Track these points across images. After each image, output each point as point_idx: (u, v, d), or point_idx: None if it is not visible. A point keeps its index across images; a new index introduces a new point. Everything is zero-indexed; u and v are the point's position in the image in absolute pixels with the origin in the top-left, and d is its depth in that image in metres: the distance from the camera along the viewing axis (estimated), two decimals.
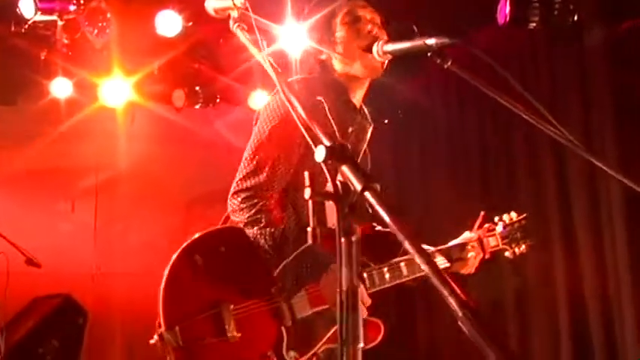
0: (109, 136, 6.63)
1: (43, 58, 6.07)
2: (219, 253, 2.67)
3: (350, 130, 2.85)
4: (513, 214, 3.31)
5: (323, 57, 2.89)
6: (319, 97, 2.71)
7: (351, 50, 2.82)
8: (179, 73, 6.49)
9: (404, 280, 2.89)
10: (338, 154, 1.49)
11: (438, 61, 2.57)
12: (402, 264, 2.88)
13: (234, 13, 2.22)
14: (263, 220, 2.63)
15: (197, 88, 6.66)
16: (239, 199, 2.68)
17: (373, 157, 3.08)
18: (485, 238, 3.18)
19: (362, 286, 2.63)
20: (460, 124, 6.29)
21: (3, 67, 6.17)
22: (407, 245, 1.30)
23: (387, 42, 2.74)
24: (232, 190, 2.71)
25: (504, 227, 3.25)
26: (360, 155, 2.95)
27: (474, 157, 6.12)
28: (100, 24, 5.65)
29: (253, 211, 2.64)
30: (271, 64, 1.92)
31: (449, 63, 2.56)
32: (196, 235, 2.69)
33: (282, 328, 2.62)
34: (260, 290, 2.63)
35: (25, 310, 6.12)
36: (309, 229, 1.49)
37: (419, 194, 6.59)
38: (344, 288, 1.44)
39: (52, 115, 6.23)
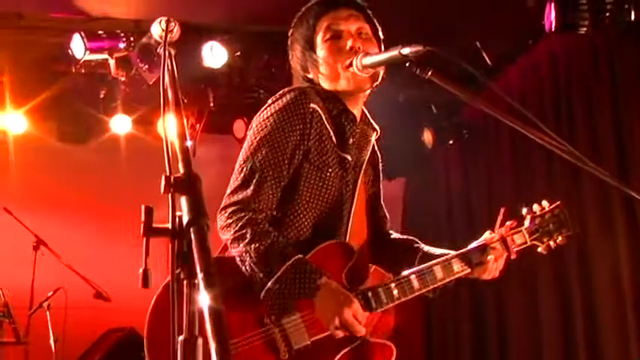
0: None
1: (102, 96, 6.23)
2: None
3: (350, 141, 2.66)
4: (545, 203, 2.92)
5: (310, 75, 2.73)
6: (313, 105, 2.56)
7: (334, 68, 2.64)
8: (237, 103, 6.50)
9: (417, 293, 2.61)
10: (178, 185, 1.32)
11: (417, 71, 2.40)
12: (413, 277, 2.60)
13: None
14: (248, 236, 2.42)
15: None
16: (226, 214, 2.48)
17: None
18: (509, 236, 2.79)
19: (358, 306, 2.42)
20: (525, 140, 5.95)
21: (67, 107, 6.42)
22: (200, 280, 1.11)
23: (365, 55, 2.57)
24: (221, 205, 2.53)
25: (532, 220, 2.86)
26: (364, 163, 2.73)
27: (540, 172, 5.74)
28: (151, 59, 5.72)
29: (239, 226, 2.43)
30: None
31: (428, 73, 2.38)
32: None
33: None
34: (252, 322, 2.43)
35: (96, 343, 6.24)
36: (140, 270, 1.33)
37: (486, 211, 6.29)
38: (179, 338, 1.23)
39: (114, 150, 6.36)
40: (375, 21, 2.76)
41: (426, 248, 2.81)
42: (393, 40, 2.55)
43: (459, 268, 2.68)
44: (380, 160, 2.90)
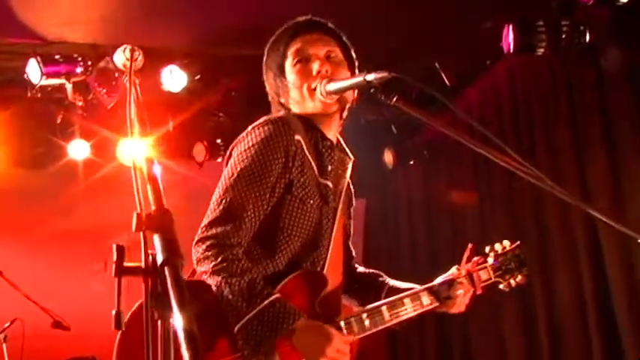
0: (132, 194, 6.59)
1: (59, 121, 6.13)
2: None
3: (329, 168, 2.63)
4: (506, 243, 3.01)
5: (282, 100, 2.70)
6: (297, 137, 2.52)
7: (301, 93, 2.62)
8: (197, 127, 6.44)
9: (387, 325, 2.63)
10: (150, 222, 1.29)
11: (382, 97, 2.39)
12: (384, 308, 2.63)
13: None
14: (227, 271, 2.35)
15: (218, 140, 6.60)
16: (204, 246, 2.39)
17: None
18: (475, 272, 2.87)
19: (338, 339, 2.38)
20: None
21: (24, 132, 6.29)
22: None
23: (329, 81, 2.56)
24: (197, 237, 2.44)
25: (496, 258, 2.95)
26: (343, 192, 2.71)
27: (501, 189, 5.79)
28: (109, 84, 5.65)
29: (218, 260, 2.35)
30: None
31: (394, 99, 2.37)
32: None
33: None
34: (224, 350, 2.35)
35: None
36: (112, 311, 1.28)
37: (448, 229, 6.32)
38: None
39: (72, 175, 6.24)
40: (348, 43, 2.75)
41: (392, 282, 2.85)
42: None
43: (427, 302, 2.73)
44: (353, 194, 2.88)
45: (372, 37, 5.24)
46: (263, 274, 2.45)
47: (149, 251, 1.30)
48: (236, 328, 2.33)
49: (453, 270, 2.84)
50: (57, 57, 5.39)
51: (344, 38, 2.73)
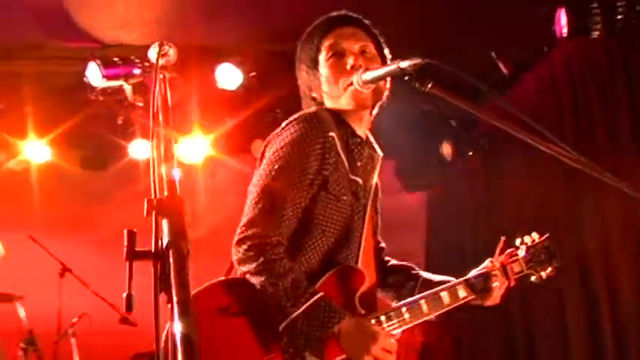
0: (191, 192, 6.72)
1: (120, 122, 6.30)
2: (219, 310, 2.41)
3: (359, 164, 2.64)
4: (535, 235, 2.98)
5: (315, 95, 2.71)
6: (331, 133, 2.53)
7: (336, 87, 2.62)
8: (255, 124, 6.51)
9: (425, 318, 2.63)
10: (160, 208, 1.32)
11: (416, 84, 2.36)
12: (422, 301, 2.63)
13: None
14: (271, 270, 2.37)
15: None
16: (244, 247, 2.41)
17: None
18: (509, 264, 2.85)
19: (385, 339, 2.40)
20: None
21: (88, 134, 6.50)
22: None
23: (365, 70, 2.55)
24: (236, 237, 2.45)
25: (527, 251, 2.92)
26: (372, 188, 2.71)
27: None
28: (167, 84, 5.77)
29: (260, 260, 2.37)
30: None
31: (428, 86, 2.34)
32: (197, 290, 2.39)
33: None
34: (270, 347, 2.38)
35: None
36: (123, 294, 1.32)
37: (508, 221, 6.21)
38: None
39: (133, 175, 6.40)
40: (381, 39, 2.74)
41: (425, 275, 2.86)
42: (404, 55, 2.53)
43: (463, 294, 2.73)
44: (380, 189, 2.86)
45: (428, 29, 5.24)
46: (302, 271, 2.46)
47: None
48: (281, 327, 2.35)
49: (487, 263, 2.83)
50: (115, 59, 5.54)
51: (377, 34, 2.73)
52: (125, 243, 1.36)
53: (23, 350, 4.77)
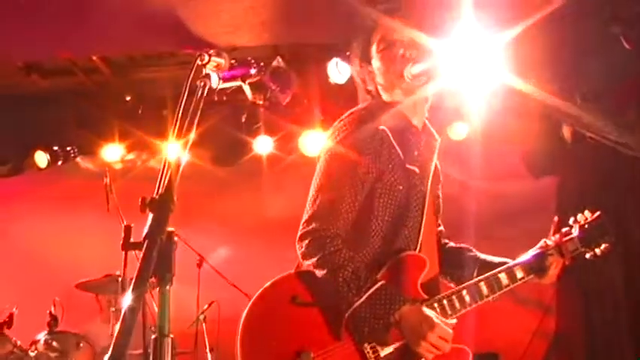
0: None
1: (243, 120, 6.67)
2: (292, 300, 2.60)
3: (416, 153, 2.75)
4: (587, 214, 2.98)
5: (370, 87, 2.84)
6: (382, 127, 2.66)
7: (389, 78, 2.74)
8: None
9: (485, 300, 2.72)
10: (149, 205, 1.53)
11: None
12: (482, 284, 2.72)
13: None
14: (332, 261, 2.54)
15: None
16: (305, 242, 2.60)
17: None
18: (563, 244, 2.89)
19: (441, 328, 2.52)
20: None
21: (216, 133, 6.92)
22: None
23: (414, 63, 2.66)
24: (298, 233, 2.64)
25: (580, 229, 2.93)
26: (431, 174, 2.79)
27: None
28: (282, 81, 6.04)
29: (321, 254, 2.55)
30: None
31: None
32: (267, 284, 2.65)
33: None
34: (338, 334, 2.56)
35: None
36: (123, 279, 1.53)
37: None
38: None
39: (257, 169, 6.75)
40: (428, 31, 2.81)
41: (483, 256, 2.94)
42: None
43: (521, 275, 2.80)
44: (440, 173, 2.95)
45: None
46: (364, 262, 2.59)
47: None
48: (346, 315, 2.51)
49: (542, 243, 2.89)
50: (232, 62, 5.87)
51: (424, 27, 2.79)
52: (122, 235, 1.56)
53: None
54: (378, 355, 2.55)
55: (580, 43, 5.63)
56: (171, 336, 1.49)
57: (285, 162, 6.73)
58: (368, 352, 2.54)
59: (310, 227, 2.59)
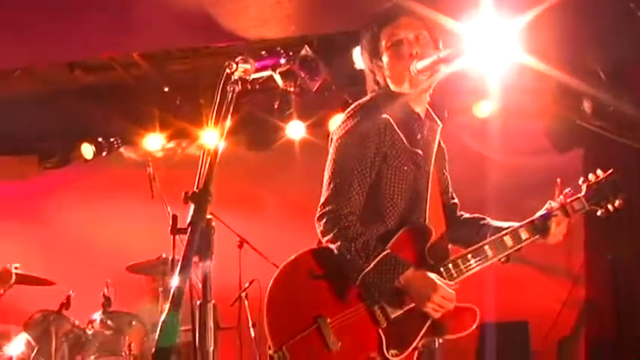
0: None
1: (276, 106, 6.99)
2: (309, 273, 2.92)
3: (419, 137, 3.04)
4: (599, 172, 3.15)
5: (379, 79, 3.12)
6: (385, 115, 2.95)
7: (396, 72, 3.02)
8: None
9: (491, 261, 2.97)
10: (191, 198, 1.86)
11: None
12: (487, 247, 2.97)
13: None
14: (345, 235, 2.84)
15: None
16: (322, 222, 2.90)
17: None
18: (568, 204, 3.07)
19: (443, 289, 2.79)
20: None
21: (251, 120, 7.27)
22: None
23: (419, 60, 2.94)
24: (317, 215, 2.95)
25: (588, 188, 3.11)
26: (434, 153, 3.09)
27: None
28: (310, 69, 6.35)
29: (336, 229, 2.85)
30: None
31: None
32: (287, 260, 2.96)
33: (379, 330, 2.84)
34: (351, 300, 2.87)
35: None
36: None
37: None
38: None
39: (290, 154, 7.07)
40: (434, 26, 3.10)
41: (495, 223, 3.17)
42: None
43: (525, 236, 3.02)
44: (445, 151, 3.25)
45: None
46: (377, 235, 2.90)
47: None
48: (357, 282, 2.83)
49: (547, 205, 3.07)
50: (262, 52, 6.19)
51: (429, 22, 3.09)
52: (170, 222, 1.89)
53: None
54: (388, 317, 2.85)
55: (600, 20, 5.81)
56: (213, 301, 1.82)
57: (316, 146, 7.03)
58: (379, 315, 2.84)
59: (326, 209, 2.90)
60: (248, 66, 2.66)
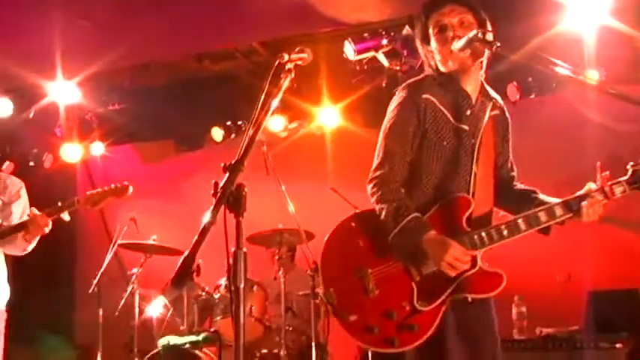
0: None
1: (384, 85, 7.33)
2: (359, 229, 3.38)
3: (468, 112, 3.36)
4: None
5: (431, 62, 3.48)
6: (426, 95, 3.32)
7: (443, 55, 3.37)
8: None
9: (522, 233, 3.24)
10: (227, 169, 2.34)
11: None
12: (520, 220, 3.24)
13: None
14: (386, 198, 3.23)
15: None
16: (371, 185, 3.33)
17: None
18: (608, 186, 3.24)
19: (456, 250, 3.12)
20: None
21: (363, 99, 7.65)
22: None
23: (457, 40, 3.28)
24: (368, 179, 3.38)
25: (633, 173, 3.22)
26: (482, 129, 3.37)
27: None
28: (411, 47, 6.65)
29: (380, 193, 3.26)
30: None
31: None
32: (339, 221, 3.45)
33: (412, 283, 3.23)
34: (388, 256, 3.28)
35: None
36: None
37: None
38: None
39: None
40: (478, 8, 3.41)
41: (542, 197, 3.44)
42: None
43: (560, 213, 3.26)
44: (509, 124, 3.55)
45: None
46: (416, 202, 3.28)
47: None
48: (389, 241, 3.24)
49: (588, 186, 3.29)
50: (365, 35, 6.59)
51: (473, 5, 3.40)
52: (212, 192, 2.37)
53: (311, 277, 6.11)
54: (421, 272, 3.24)
55: None
56: (244, 249, 2.28)
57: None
58: (413, 271, 3.26)
59: (374, 175, 3.33)
60: (305, 55, 3.05)
